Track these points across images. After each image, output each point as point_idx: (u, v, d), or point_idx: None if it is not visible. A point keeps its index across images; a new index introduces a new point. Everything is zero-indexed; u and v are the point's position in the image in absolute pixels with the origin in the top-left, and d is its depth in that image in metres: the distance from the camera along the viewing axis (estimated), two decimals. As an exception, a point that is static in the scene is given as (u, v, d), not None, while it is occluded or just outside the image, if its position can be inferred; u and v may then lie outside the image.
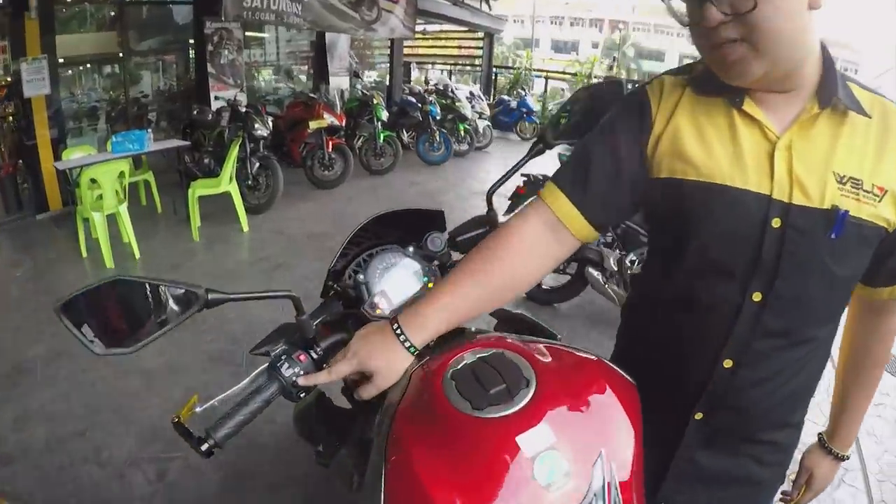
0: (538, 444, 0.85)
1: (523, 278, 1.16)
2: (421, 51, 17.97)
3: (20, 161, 6.51)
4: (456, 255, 1.38)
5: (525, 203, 1.72)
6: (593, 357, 1.08)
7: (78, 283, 3.59)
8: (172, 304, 0.99)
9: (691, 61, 1.17)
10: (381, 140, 8.88)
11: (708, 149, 1.05)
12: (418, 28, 13.83)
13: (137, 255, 5.25)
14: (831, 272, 1.03)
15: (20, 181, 6.60)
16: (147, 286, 1.00)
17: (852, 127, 1.01)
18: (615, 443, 0.92)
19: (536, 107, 13.92)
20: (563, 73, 18.75)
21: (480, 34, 16.04)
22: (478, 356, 1.00)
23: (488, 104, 12.93)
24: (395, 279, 1.33)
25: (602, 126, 1.17)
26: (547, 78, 16.49)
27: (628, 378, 1.05)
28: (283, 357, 1.07)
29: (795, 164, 1.00)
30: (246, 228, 6.13)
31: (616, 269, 4.17)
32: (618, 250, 4.16)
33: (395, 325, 1.06)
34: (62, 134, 6.97)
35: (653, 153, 1.10)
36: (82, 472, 2.74)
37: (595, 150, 1.14)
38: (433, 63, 17.80)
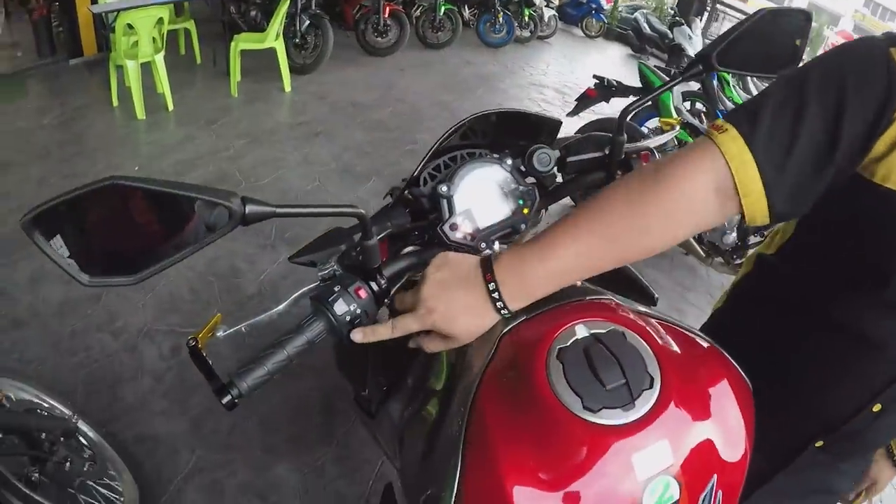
0: (654, 465, 0.72)
1: (667, 243, 0.88)
2: None
3: (56, 2, 6.12)
4: (561, 177, 1.16)
5: (670, 138, 1.40)
6: (707, 344, 0.92)
7: (105, 135, 3.34)
8: (193, 219, 0.70)
9: None
10: (441, 13, 8.42)
11: None
12: None
13: (171, 107, 4.96)
14: None
15: (55, 23, 6.20)
16: (156, 192, 0.68)
17: None
18: (729, 464, 0.80)
19: (607, 5, 13.16)
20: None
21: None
22: (592, 331, 0.81)
23: (558, -8, 12.28)
24: (483, 196, 1.07)
25: (826, 76, 0.84)
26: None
27: (745, 378, 0.89)
28: (336, 290, 0.84)
29: None
30: (288, 89, 5.78)
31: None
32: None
33: (492, 283, 0.82)
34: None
35: (885, 153, 0.83)
36: (94, 341, 2.58)
37: (811, 118, 0.81)
38: None
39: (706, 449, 0.78)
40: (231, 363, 0.86)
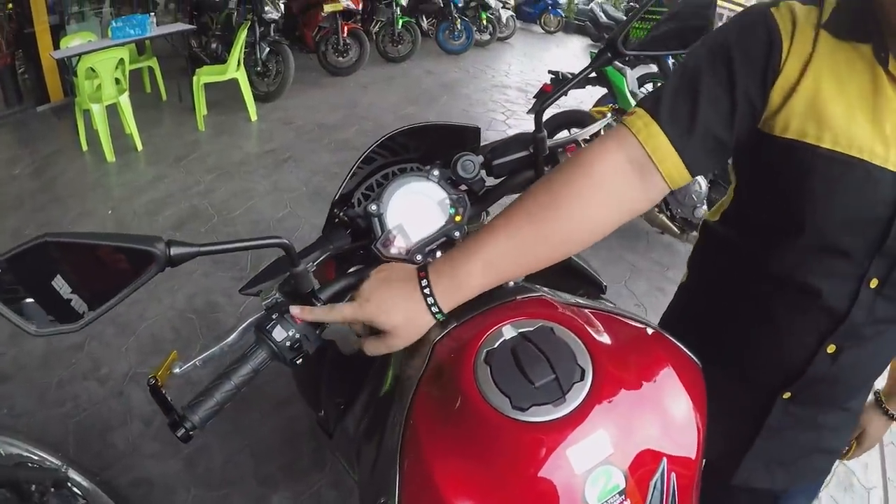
0: (592, 457, 0.72)
1: (595, 228, 0.92)
2: None
3: (19, 50, 6.14)
4: (490, 181, 1.14)
5: (600, 127, 1.39)
6: (652, 330, 0.93)
7: (77, 180, 3.40)
8: (124, 265, 0.74)
9: None
10: (400, 26, 8.49)
11: (850, 113, 0.84)
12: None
13: (139, 147, 5.01)
14: None
15: (20, 71, 6.26)
16: (87, 245, 0.72)
17: None
18: (679, 447, 0.79)
19: (563, 0, 13.33)
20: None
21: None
22: (520, 331, 0.81)
23: (513, -7, 12.38)
24: (415, 210, 1.08)
25: (713, 49, 0.92)
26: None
27: (693, 358, 0.91)
28: (274, 318, 0.86)
29: None
30: (254, 117, 5.84)
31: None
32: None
33: (424, 281, 0.86)
34: (63, 20, 6.58)
35: (780, 104, 0.88)
36: (81, 389, 2.62)
37: (705, 80, 0.89)
38: None
39: (650, 434, 0.78)
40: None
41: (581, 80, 1.21)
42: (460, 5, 9.55)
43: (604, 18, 12.78)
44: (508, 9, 11.30)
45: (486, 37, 10.32)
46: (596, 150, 0.90)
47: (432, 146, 1.24)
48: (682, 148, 0.88)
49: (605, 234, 0.93)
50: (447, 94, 7.31)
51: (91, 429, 2.41)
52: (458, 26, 9.39)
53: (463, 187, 1.13)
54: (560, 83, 4.61)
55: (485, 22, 10.16)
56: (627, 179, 0.90)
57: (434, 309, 0.86)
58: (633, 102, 4.13)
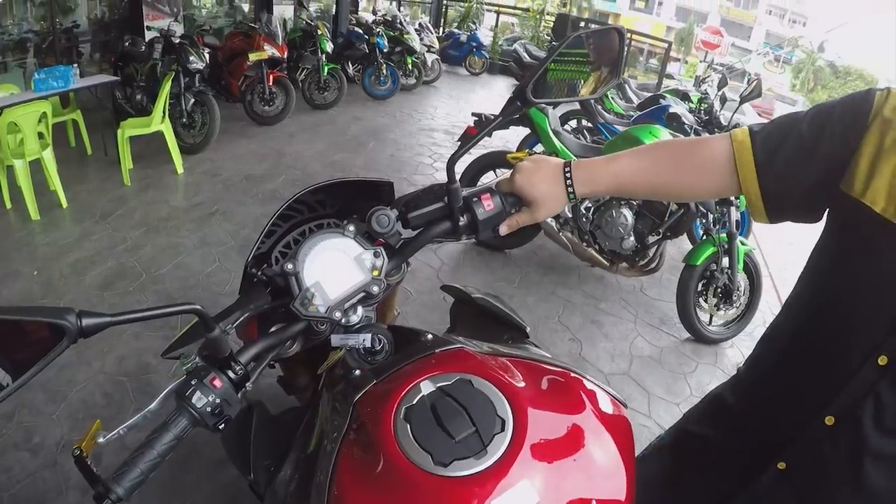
0: None
1: (694, 188, 1.16)
2: None
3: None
4: (408, 233, 1.15)
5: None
6: (574, 375, 0.97)
7: (1, 240, 3.32)
8: (42, 334, 0.73)
9: None
10: (325, 73, 8.59)
11: None
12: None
13: (65, 204, 4.96)
14: None
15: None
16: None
17: None
18: (607, 490, 0.81)
19: (487, 41, 13.76)
20: (515, 8, 18.32)
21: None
22: (438, 385, 0.85)
23: (437, 37, 12.63)
24: (332, 267, 1.07)
25: (819, 108, 1.07)
26: (498, 12, 16.10)
27: (618, 399, 0.96)
28: (193, 383, 0.86)
29: None
30: (181, 170, 5.84)
31: (570, 215, 4.20)
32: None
33: (567, 168, 1.09)
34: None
35: (854, 164, 0.99)
36: (13, 461, 2.58)
37: (801, 126, 1.05)
38: None
39: (576, 481, 0.78)
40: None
41: (496, 127, 1.25)
42: (385, 50, 9.69)
43: (527, 58, 13.14)
44: (433, 52, 11.53)
45: (412, 80, 10.54)
46: (714, 140, 1.11)
47: (348, 201, 1.25)
48: (760, 167, 1.05)
49: (701, 196, 1.19)
50: (374, 139, 7.47)
51: (26, 502, 2.41)
52: (384, 71, 9.55)
53: (380, 241, 1.13)
54: (483, 125, 4.82)
55: (410, 66, 10.38)
56: (724, 168, 1.08)
57: (570, 190, 1.08)
58: (556, 142, 4.32)
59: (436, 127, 8.38)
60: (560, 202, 1.10)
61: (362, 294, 1.06)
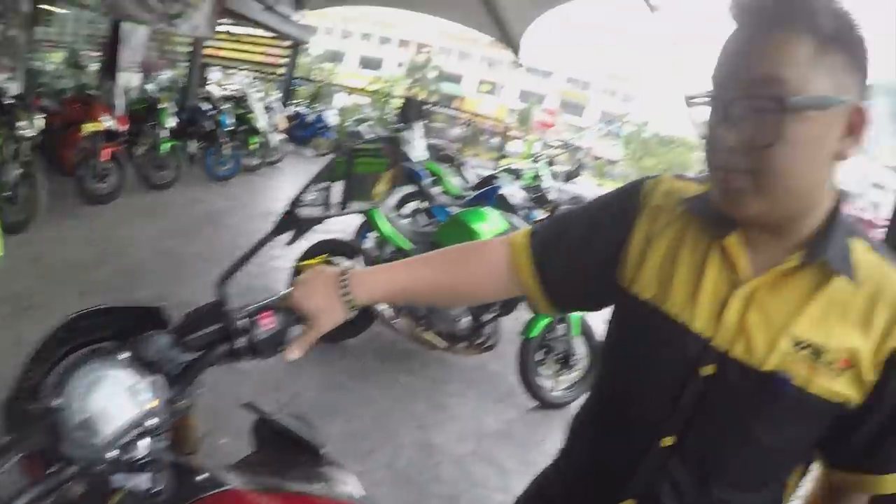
0: None
1: (475, 294, 1.21)
2: (224, 53, 16.79)
3: None
4: (189, 356, 1.05)
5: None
6: None
7: None
8: None
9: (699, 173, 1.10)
10: (164, 150, 8.09)
11: (671, 272, 1.00)
12: (223, 28, 13.35)
13: None
14: (756, 439, 0.95)
15: None
16: None
17: (836, 290, 0.92)
18: None
19: (334, 122, 14.06)
20: (366, 89, 18.93)
21: (288, 42, 15.60)
22: None
23: (286, 117, 12.66)
24: (104, 399, 0.92)
25: (597, 200, 1.16)
26: (347, 93, 16.57)
27: None
28: None
29: (751, 314, 0.93)
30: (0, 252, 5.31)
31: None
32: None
33: (343, 278, 1.07)
34: None
35: (625, 255, 1.07)
36: None
37: (578, 218, 1.13)
38: (237, 68, 16.98)
39: None
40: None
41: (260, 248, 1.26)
42: (230, 129, 9.44)
43: (373, 140, 13.51)
44: (279, 132, 11.48)
45: (256, 161, 10.42)
46: (494, 243, 1.17)
47: (123, 325, 1.11)
48: (540, 265, 1.11)
49: (485, 300, 1.24)
50: (212, 225, 7.32)
51: None
52: (227, 151, 9.31)
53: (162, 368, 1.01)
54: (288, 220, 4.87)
55: (254, 146, 10.22)
56: (504, 272, 1.14)
57: (347, 300, 1.06)
58: (388, 228, 4.38)
59: (277, 211, 7.86)
60: (340, 313, 1.06)
61: (140, 429, 0.93)
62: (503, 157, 18.66)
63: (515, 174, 7.99)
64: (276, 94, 13.99)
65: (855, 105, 0.87)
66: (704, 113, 0.93)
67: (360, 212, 4.39)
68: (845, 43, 0.85)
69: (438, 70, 48.10)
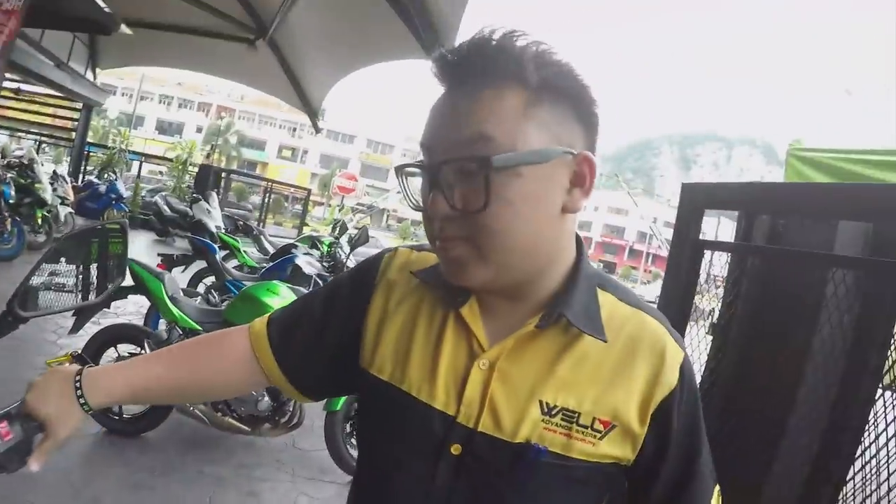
0: None
1: (218, 389, 1.17)
2: (10, 114, 15.62)
3: None
4: None
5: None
6: None
7: None
8: None
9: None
10: None
11: (408, 348, 0.94)
12: (11, 86, 12.65)
13: None
14: None
15: None
16: None
17: (586, 349, 0.88)
18: None
19: (128, 192, 13.59)
20: (163, 156, 18.44)
21: (80, 104, 14.87)
22: None
23: (75, 187, 12.04)
24: None
25: (335, 280, 1.12)
26: (143, 161, 16.03)
27: None
28: None
29: (495, 385, 0.87)
30: None
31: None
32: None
33: (77, 378, 0.98)
34: None
35: (362, 336, 1.01)
36: None
37: (313, 305, 1.07)
38: (25, 131, 15.71)
39: None
40: None
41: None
42: (12, 201, 8.82)
43: (168, 212, 13.17)
44: (67, 205, 10.81)
45: (42, 238, 9.67)
46: (234, 333, 1.09)
47: None
48: (279, 352, 1.04)
49: (230, 394, 1.16)
50: None
51: None
52: (9, 227, 8.60)
53: None
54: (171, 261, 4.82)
55: (40, 221, 9.55)
56: (247, 364, 1.06)
57: (82, 402, 0.96)
58: (174, 310, 4.08)
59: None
60: (76, 416, 0.97)
61: None
62: (305, 224, 18.84)
63: (314, 242, 8.05)
64: (67, 161, 13.25)
65: (581, 155, 0.84)
66: (418, 182, 0.90)
67: (119, 294, 3.94)
68: (560, 94, 0.82)
69: (239, 135, 47.45)
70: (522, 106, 0.80)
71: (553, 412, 0.85)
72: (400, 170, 0.91)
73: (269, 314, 1.10)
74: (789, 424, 1.56)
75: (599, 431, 0.85)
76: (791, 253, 1.69)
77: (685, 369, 0.90)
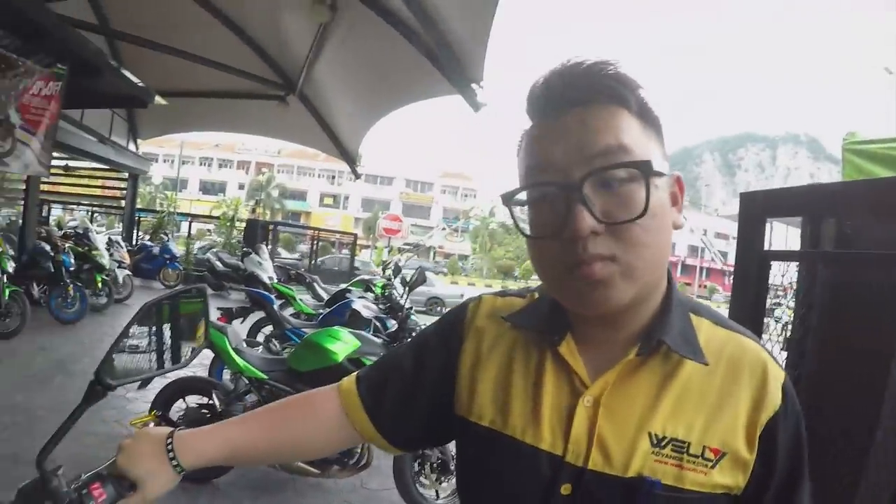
0: None
1: (311, 449, 1.16)
2: (62, 189, 16.35)
3: None
4: None
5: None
6: None
7: None
8: None
9: (524, 286, 1.11)
10: (6, 297, 7.73)
11: (507, 393, 0.93)
12: (59, 163, 13.06)
13: None
14: None
15: None
16: None
17: (688, 376, 0.86)
18: None
19: (180, 251, 14.04)
20: (209, 215, 19.00)
21: (126, 174, 15.49)
22: None
23: (129, 250, 12.50)
24: None
25: (419, 336, 1.12)
26: (192, 221, 16.50)
27: None
28: None
29: (601, 422, 0.85)
30: None
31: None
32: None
33: (169, 440, 0.99)
34: None
35: (456, 385, 1.01)
36: None
37: (404, 357, 1.08)
38: (77, 203, 16.46)
39: None
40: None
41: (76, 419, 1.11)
42: (72, 269, 9.20)
43: (221, 267, 13.48)
44: (125, 268, 11.32)
45: (103, 300, 10.13)
46: (323, 393, 1.10)
47: None
48: (371, 410, 1.05)
49: (323, 454, 1.17)
50: (62, 373, 7.02)
51: None
52: (72, 292, 8.99)
53: None
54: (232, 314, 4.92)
55: (100, 285, 10.00)
56: (339, 422, 1.07)
57: (174, 464, 0.98)
58: (238, 361, 4.15)
59: (127, 355, 7.97)
60: (169, 478, 0.98)
61: None
62: (355, 268, 19.01)
63: (368, 285, 8.11)
64: (118, 227, 13.76)
65: (675, 175, 0.86)
66: (525, 212, 0.88)
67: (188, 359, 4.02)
68: (650, 118, 0.85)
69: (280, 188, 48.40)
70: (638, 124, 0.82)
71: (663, 443, 0.83)
72: (508, 197, 0.87)
73: (355, 373, 1.11)
74: (876, 441, 1.48)
75: (711, 460, 0.83)
76: (868, 256, 1.62)
77: (787, 389, 0.88)
